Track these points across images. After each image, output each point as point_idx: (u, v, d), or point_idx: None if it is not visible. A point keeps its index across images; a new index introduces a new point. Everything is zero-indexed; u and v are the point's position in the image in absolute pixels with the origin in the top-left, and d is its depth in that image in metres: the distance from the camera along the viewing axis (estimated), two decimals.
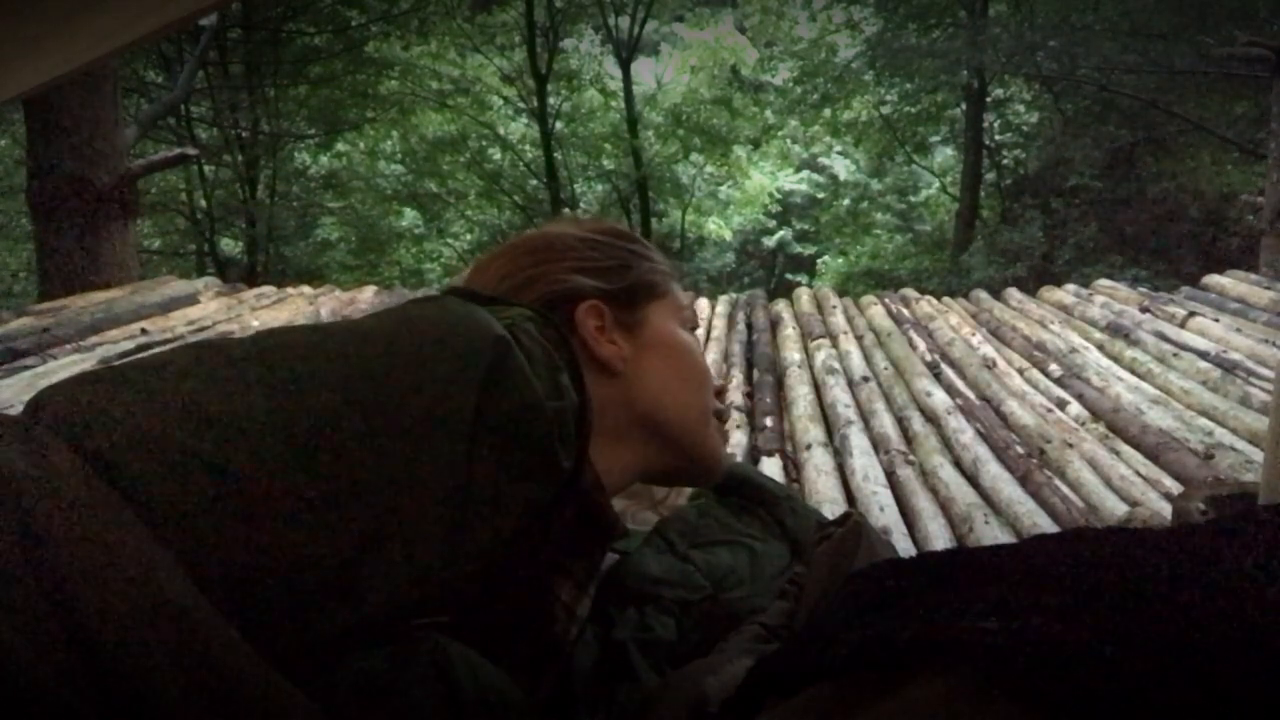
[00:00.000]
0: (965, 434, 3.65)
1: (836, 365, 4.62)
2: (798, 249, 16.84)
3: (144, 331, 4.73)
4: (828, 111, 13.99)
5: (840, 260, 15.25)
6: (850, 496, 3.23)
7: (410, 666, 0.47)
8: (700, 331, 5.22)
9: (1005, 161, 13.49)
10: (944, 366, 4.54)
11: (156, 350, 0.47)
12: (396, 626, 0.47)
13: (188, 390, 0.44)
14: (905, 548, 2.68)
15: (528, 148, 14.24)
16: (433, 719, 0.46)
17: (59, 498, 0.38)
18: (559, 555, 0.62)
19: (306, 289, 6.29)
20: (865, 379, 4.43)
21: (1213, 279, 5.79)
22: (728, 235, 15.76)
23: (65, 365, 4.09)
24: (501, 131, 14.07)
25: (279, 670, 0.41)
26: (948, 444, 3.63)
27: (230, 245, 12.43)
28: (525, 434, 0.53)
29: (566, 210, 13.44)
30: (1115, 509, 2.94)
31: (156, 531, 0.40)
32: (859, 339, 5.11)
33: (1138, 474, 3.22)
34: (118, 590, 0.37)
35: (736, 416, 4.03)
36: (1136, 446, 3.50)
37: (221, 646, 0.38)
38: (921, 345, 4.87)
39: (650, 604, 0.68)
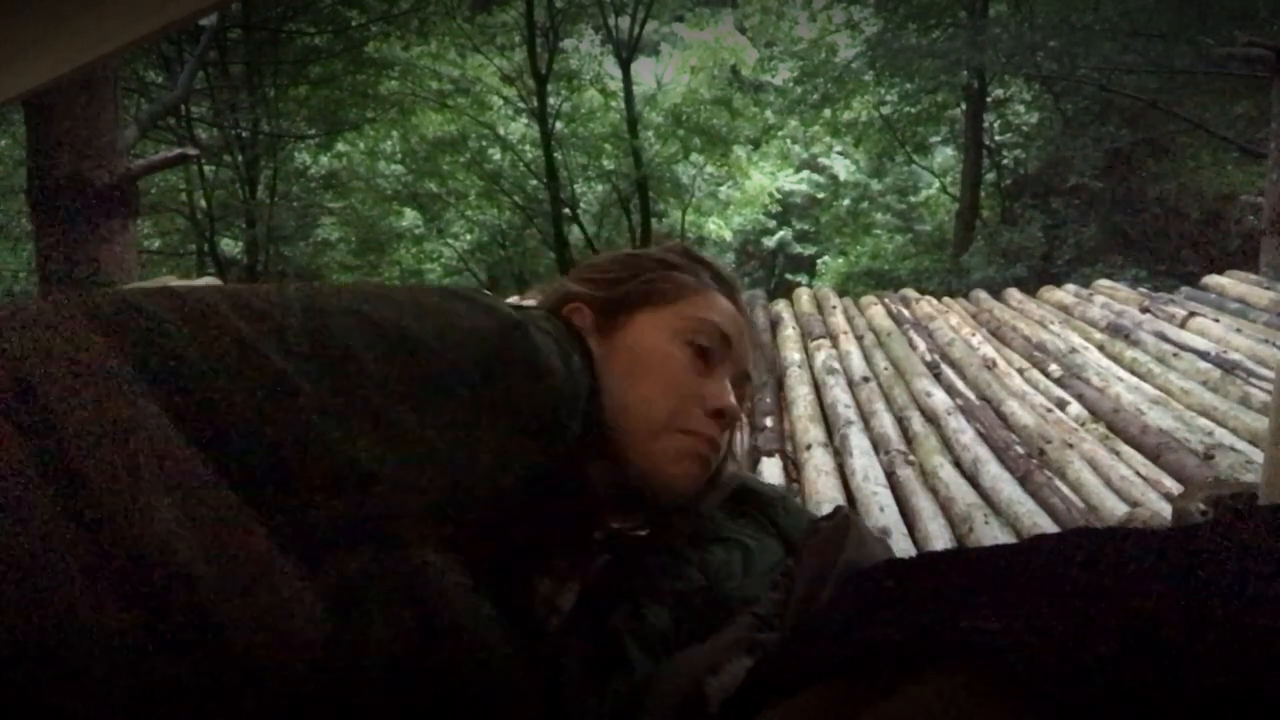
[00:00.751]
0: (965, 434, 3.65)
1: (836, 365, 4.62)
2: (798, 249, 16.84)
3: None
4: (828, 112, 13.98)
5: (840, 260, 15.24)
6: (850, 497, 3.23)
7: (384, 578, 0.47)
8: None
9: (1005, 161, 13.49)
10: (944, 367, 4.53)
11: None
12: (393, 531, 0.49)
13: (233, 311, 0.48)
14: (905, 548, 2.68)
15: (528, 148, 14.23)
16: (394, 642, 0.46)
17: (79, 383, 0.39)
18: (540, 547, 0.65)
19: None
20: (865, 379, 4.42)
21: (1213, 279, 5.79)
22: (728, 235, 15.74)
23: None
24: (501, 132, 14.06)
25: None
26: (948, 444, 3.63)
27: (230, 245, 12.42)
28: (537, 393, 0.57)
29: (566, 211, 13.46)
30: (1115, 509, 2.94)
31: (182, 400, 0.42)
32: (859, 339, 5.11)
33: (1138, 474, 3.22)
34: (126, 464, 0.38)
35: None
36: (1136, 447, 3.50)
37: (237, 525, 0.40)
38: (921, 345, 4.87)
39: (645, 595, 0.69)
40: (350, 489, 0.46)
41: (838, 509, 0.75)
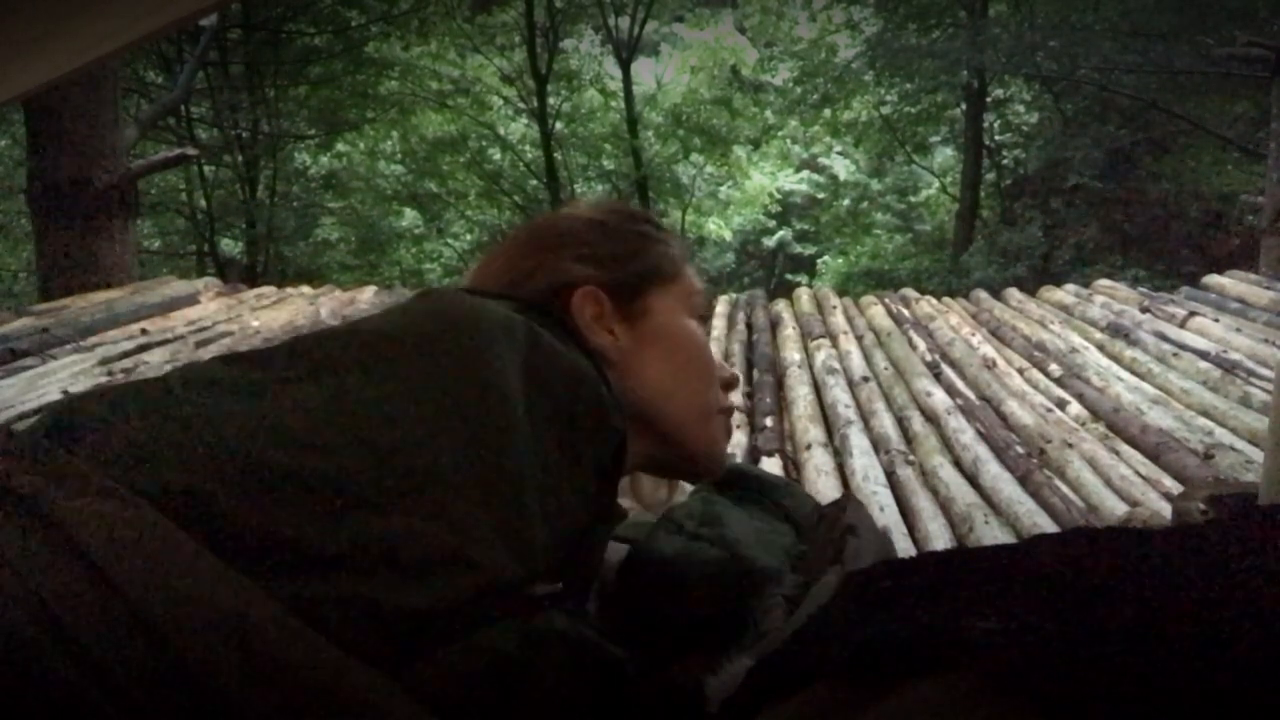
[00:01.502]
0: (965, 434, 3.65)
1: (836, 365, 4.62)
2: (798, 249, 16.84)
3: (144, 332, 4.73)
4: (828, 111, 13.99)
5: (840, 260, 15.24)
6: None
7: (543, 646, 0.47)
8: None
9: (1005, 161, 13.49)
10: (944, 366, 4.54)
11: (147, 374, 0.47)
12: (510, 600, 0.48)
13: (238, 411, 0.45)
14: (905, 548, 2.68)
15: (528, 148, 14.24)
16: (563, 696, 0.47)
17: (133, 543, 0.38)
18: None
19: (306, 289, 6.29)
20: (865, 379, 4.43)
21: (1213, 279, 5.79)
22: (728, 235, 15.75)
23: (65, 366, 4.09)
24: (501, 132, 14.07)
25: (376, 662, 0.41)
26: (948, 444, 3.63)
27: (230, 245, 12.42)
28: (580, 396, 0.56)
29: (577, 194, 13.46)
30: (1115, 509, 2.94)
31: (242, 547, 0.41)
32: (859, 339, 5.11)
33: (1138, 474, 3.22)
34: (199, 616, 0.37)
35: (737, 417, 4.03)
36: (1136, 446, 3.50)
37: (306, 655, 0.39)
38: (921, 345, 4.87)
39: (675, 588, 0.69)
40: (457, 570, 0.46)
41: (846, 494, 0.76)
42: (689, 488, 0.88)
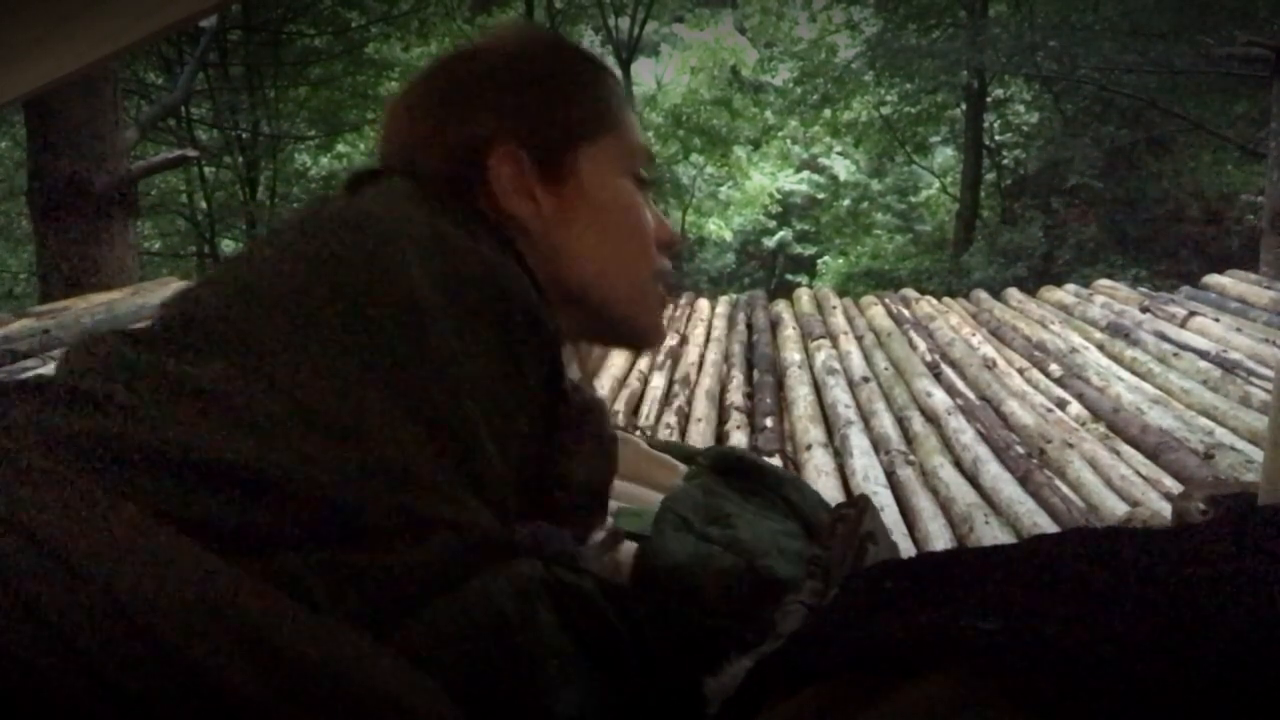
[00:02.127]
0: (965, 434, 3.65)
1: (837, 365, 4.62)
2: (798, 249, 16.82)
3: None
4: (828, 112, 13.98)
5: (840, 260, 15.23)
6: (850, 496, 3.23)
7: (526, 592, 0.45)
8: (700, 331, 5.22)
9: (1005, 161, 13.49)
10: (944, 367, 4.54)
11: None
12: (490, 550, 0.46)
13: (167, 403, 0.43)
14: (905, 548, 2.68)
15: None
16: (556, 649, 0.45)
17: (99, 530, 0.37)
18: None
19: None
20: (865, 379, 4.43)
21: (1213, 279, 5.79)
22: (728, 236, 15.74)
23: None
24: None
25: (372, 610, 0.40)
26: (948, 444, 3.63)
27: (231, 246, 12.42)
28: (511, 307, 0.51)
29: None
30: (1115, 509, 2.94)
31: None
32: (859, 339, 5.11)
33: (1138, 474, 3.22)
34: (178, 599, 0.36)
35: (736, 417, 4.03)
36: (1136, 446, 3.50)
37: (290, 629, 0.38)
38: (922, 345, 4.87)
39: (691, 598, 0.66)
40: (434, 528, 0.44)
41: (860, 496, 0.75)
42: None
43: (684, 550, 0.70)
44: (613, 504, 0.80)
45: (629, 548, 0.74)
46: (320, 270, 0.48)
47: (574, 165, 0.62)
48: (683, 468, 0.88)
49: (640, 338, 0.68)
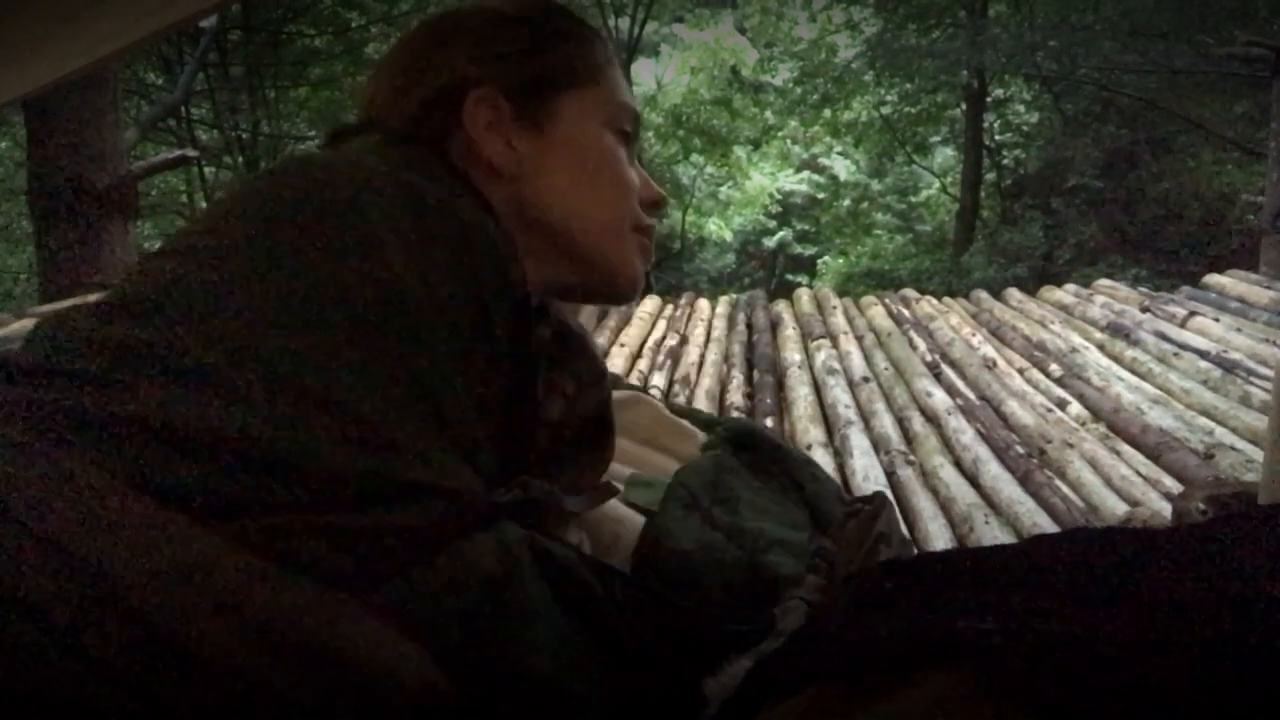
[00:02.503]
0: (965, 434, 3.65)
1: (837, 366, 4.62)
2: (798, 249, 16.82)
3: None
4: (828, 112, 13.99)
5: (840, 261, 15.23)
6: (854, 497, 3.23)
7: (512, 554, 0.45)
8: (700, 331, 5.22)
9: (1005, 161, 13.49)
10: (944, 367, 4.54)
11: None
12: (473, 511, 0.46)
13: (145, 383, 0.42)
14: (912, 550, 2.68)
15: None
16: (542, 610, 0.45)
17: (75, 500, 0.37)
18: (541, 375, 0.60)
19: None
20: (865, 379, 4.42)
21: (1213, 279, 5.79)
22: (728, 236, 15.74)
23: None
24: None
25: (357, 574, 0.40)
26: (948, 444, 3.64)
27: None
28: (479, 261, 0.51)
29: None
30: (1115, 509, 2.94)
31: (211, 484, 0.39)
32: (859, 339, 5.11)
33: (1138, 474, 3.22)
34: (153, 567, 0.36)
35: (737, 417, 4.03)
36: (1137, 446, 3.50)
37: (269, 592, 0.37)
38: (922, 345, 4.87)
39: (690, 589, 0.66)
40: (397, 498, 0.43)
41: (878, 494, 0.74)
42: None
43: (689, 537, 0.69)
44: (625, 470, 0.79)
45: (634, 520, 0.73)
46: (284, 230, 0.47)
47: (553, 111, 0.62)
48: (701, 436, 0.86)
49: (614, 284, 0.66)
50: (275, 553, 0.39)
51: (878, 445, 3.67)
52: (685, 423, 0.88)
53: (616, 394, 0.81)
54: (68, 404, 0.40)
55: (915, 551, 0.83)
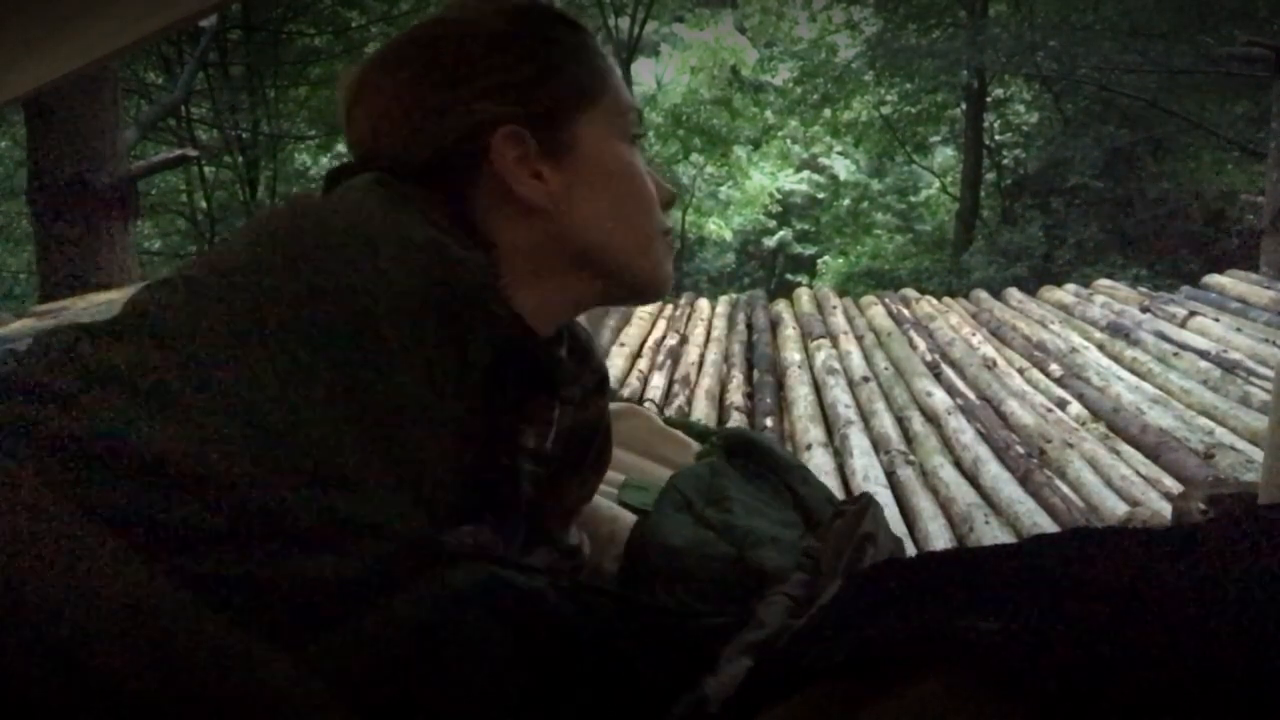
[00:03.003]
0: (965, 434, 3.65)
1: (837, 365, 4.62)
2: (798, 249, 16.81)
3: None
4: (828, 111, 13.98)
5: (840, 260, 15.23)
6: (852, 496, 3.23)
7: (460, 605, 0.44)
8: (700, 331, 5.22)
9: (1005, 161, 13.48)
10: (944, 366, 4.53)
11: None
12: (419, 556, 0.45)
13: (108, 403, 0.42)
14: (905, 548, 2.68)
15: None
16: (491, 659, 0.44)
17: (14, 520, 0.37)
18: (518, 410, 0.61)
19: None
20: (865, 379, 4.42)
21: (1213, 279, 5.79)
22: (728, 236, 15.74)
23: None
24: None
25: (284, 630, 0.39)
26: (948, 444, 3.63)
27: None
28: (462, 299, 0.50)
29: None
30: (1115, 509, 2.94)
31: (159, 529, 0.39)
32: (859, 339, 5.11)
33: (1138, 474, 3.22)
34: (90, 600, 0.36)
35: (736, 417, 4.03)
36: (1136, 446, 3.50)
37: (201, 636, 0.37)
38: (922, 345, 4.87)
39: (679, 583, 0.68)
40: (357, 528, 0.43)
41: (863, 495, 0.75)
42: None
43: (679, 534, 0.71)
44: (618, 476, 0.81)
45: (630, 519, 0.74)
46: (270, 265, 0.47)
47: (574, 135, 0.62)
48: (695, 445, 0.88)
49: (651, 293, 0.68)
50: (210, 595, 0.38)
51: (878, 445, 3.67)
52: (680, 433, 0.90)
53: (613, 406, 0.83)
54: (29, 419, 0.40)
55: (909, 550, 0.83)
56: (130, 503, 0.39)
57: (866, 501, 0.72)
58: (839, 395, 4.19)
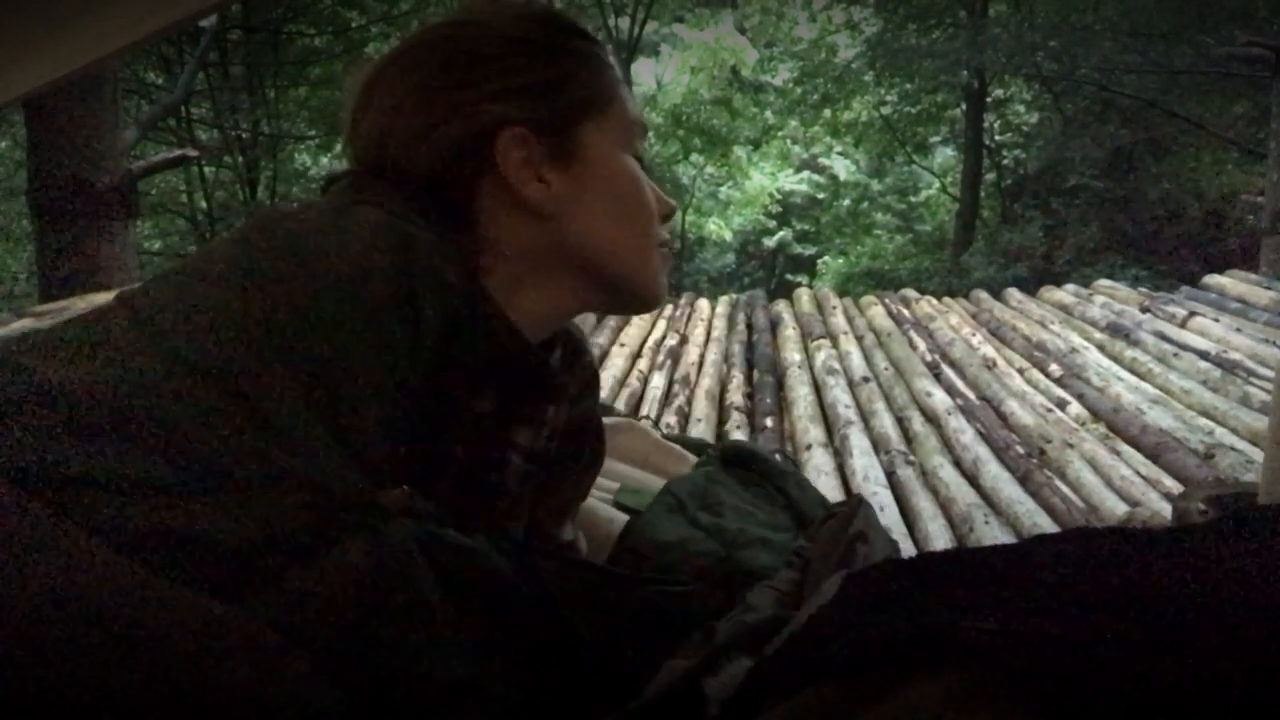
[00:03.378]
0: (965, 434, 3.65)
1: (837, 366, 4.62)
2: (798, 249, 16.82)
3: None
4: (828, 112, 13.99)
5: (840, 261, 15.24)
6: (850, 497, 3.23)
7: (396, 557, 0.44)
8: (700, 331, 5.22)
9: (1005, 161, 13.49)
10: (944, 367, 4.54)
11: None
12: (356, 513, 0.44)
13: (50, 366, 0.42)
14: (905, 548, 2.67)
15: None
16: (421, 604, 0.44)
17: None
18: (511, 409, 0.61)
19: None
20: (865, 379, 4.42)
21: (1213, 279, 5.79)
22: (728, 236, 15.75)
23: None
24: None
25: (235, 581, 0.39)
26: (948, 444, 3.63)
27: None
28: (415, 271, 0.51)
29: None
30: (1115, 509, 2.94)
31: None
32: (859, 339, 5.11)
33: (1138, 474, 3.22)
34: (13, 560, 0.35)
35: (736, 417, 4.03)
36: (1136, 446, 3.50)
37: (133, 593, 0.36)
38: (922, 345, 4.87)
39: (665, 574, 0.69)
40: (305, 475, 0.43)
41: (855, 496, 0.76)
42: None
43: (670, 532, 0.73)
44: (613, 484, 0.82)
45: (623, 519, 0.75)
46: (223, 240, 0.49)
47: (580, 142, 0.62)
48: (692, 458, 0.90)
49: (645, 303, 0.68)
50: (144, 556, 0.37)
51: (878, 445, 3.67)
52: (677, 446, 0.92)
53: (610, 420, 0.85)
54: None
55: (909, 550, 0.84)
56: (44, 455, 0.38)
57: (857, 503, 0.73)
58: (839, 395, 4.19)
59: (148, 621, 0.36)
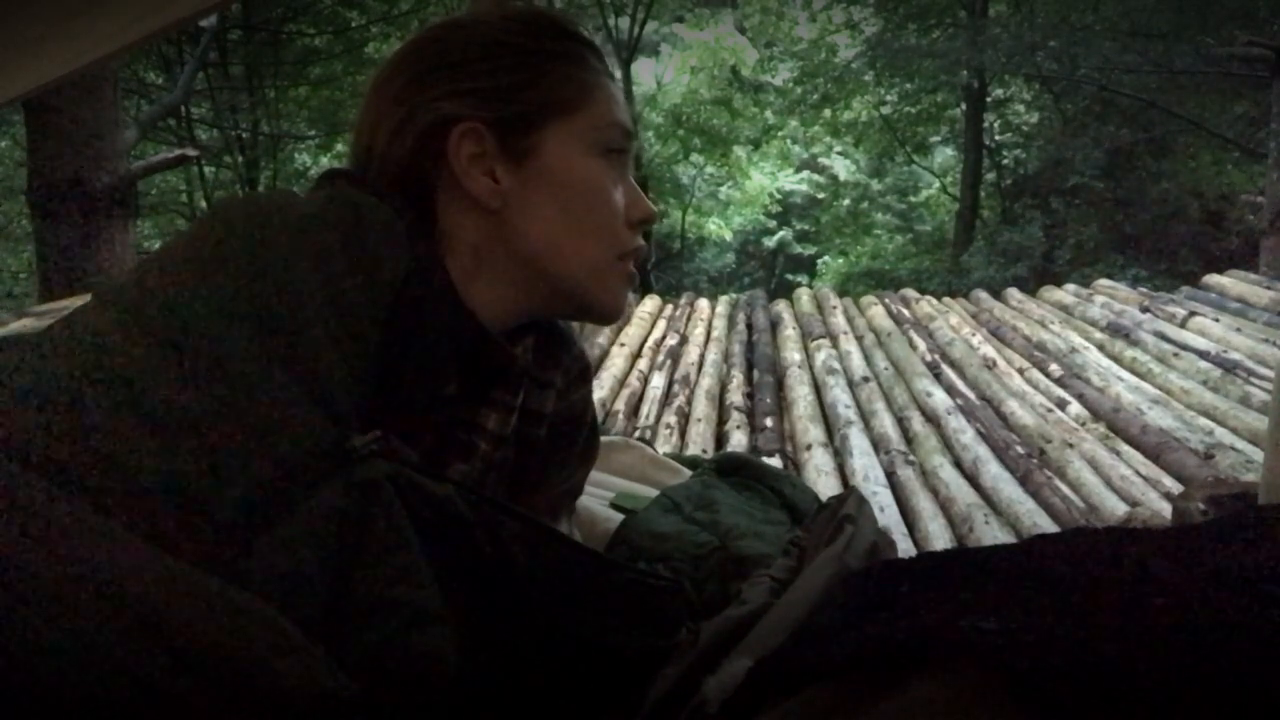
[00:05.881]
0: (965, 434, 3.65)
1: (837, 366, 4.62)
2: (798, 249, 16.82)
3: None
4: (828, 112, 13.98)
5: (840, 260, 15.23)
6: None
7: (371, 493, 0.46)
8: (700, 331, 5.21)
9: (1005, 161, 13.48)
10: (944, 367, 4.53)
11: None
12: (330, 459, 0.47)
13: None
14: (905, 548, 2.68)
15: None
16: (397, 531, 0.46)
17: None
18: (479, 394, 0.63)
19: None
20: (865, 379, 4.42)
21: (1213, 279, 5.79)
22: (728, 236, 15.74)
23: None
24: None
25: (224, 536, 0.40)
26: (948, 444, 3.63)
27: None
28: (359, 220, 0.53)
29: None
30: (1115, 509, 2.94)
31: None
32: (859, 339, 5.11)
33: (1138, 474, 3.22)
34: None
35: (736, 417, 4.03)
36: (1136, 446, 3.50)
37: (119, 561, 0.38)
38: (922, 345, 4.87)
39: (660, 562, 0.70)
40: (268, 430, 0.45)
41: (850, 489, 0.77)
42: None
43: (668, 525, 0.74)
44: (609, 494, 0.84)
45: (616, 517, 0.77)
46: (194, 225, 0.52)
47: (537, 144, 0.62)
48: (687, 472, 0.93)
49: (596, 314, 0.67)
50: (145, 528, 0.39)
51: (878, 445, 3.67)
52: (672, 462, 0.95)
53: (607, 438, 0.88)
54: None
55: (909, 550, 0.85)
56: (23, 428, 0.40)
57: (849, 490, 0.75)
58: (839, 395, 4.19)
59: (174, 604, 0.38)
